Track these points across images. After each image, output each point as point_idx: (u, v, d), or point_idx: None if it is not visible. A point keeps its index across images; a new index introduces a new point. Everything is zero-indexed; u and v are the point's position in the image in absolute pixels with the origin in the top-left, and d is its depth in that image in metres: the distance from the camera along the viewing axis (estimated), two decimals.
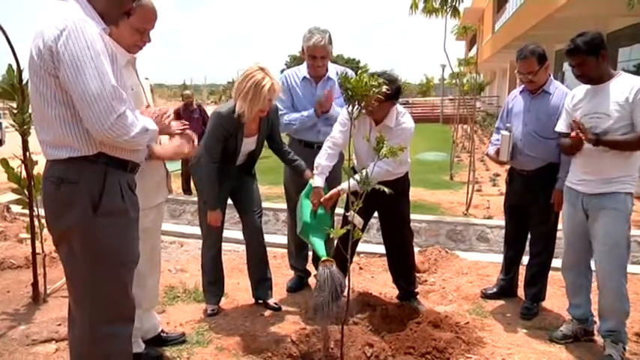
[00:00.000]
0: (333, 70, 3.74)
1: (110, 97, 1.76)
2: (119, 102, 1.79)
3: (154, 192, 2.69)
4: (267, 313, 3.56)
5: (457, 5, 6.87)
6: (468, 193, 7.06)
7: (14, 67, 3.36)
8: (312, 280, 4.09)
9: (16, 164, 3.55)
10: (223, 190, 3.39)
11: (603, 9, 12.84)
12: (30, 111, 3.30)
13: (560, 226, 3.38)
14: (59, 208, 1.92)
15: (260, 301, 3.65)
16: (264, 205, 6.60)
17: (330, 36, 3.61)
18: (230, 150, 3.29)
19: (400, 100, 3.36)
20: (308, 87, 3.77)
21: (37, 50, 1.80)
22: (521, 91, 3.64)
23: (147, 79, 2.72)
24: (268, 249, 4.86)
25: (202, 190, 3.40)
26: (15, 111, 3.45)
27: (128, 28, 2.37)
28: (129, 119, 1.83)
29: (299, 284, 4.03)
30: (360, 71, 2.13)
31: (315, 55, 3.61)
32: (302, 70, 3.81)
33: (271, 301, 3.62)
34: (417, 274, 4.22)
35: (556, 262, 3.71)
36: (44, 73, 1.80)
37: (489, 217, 6.51)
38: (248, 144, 3.36)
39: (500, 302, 3.80)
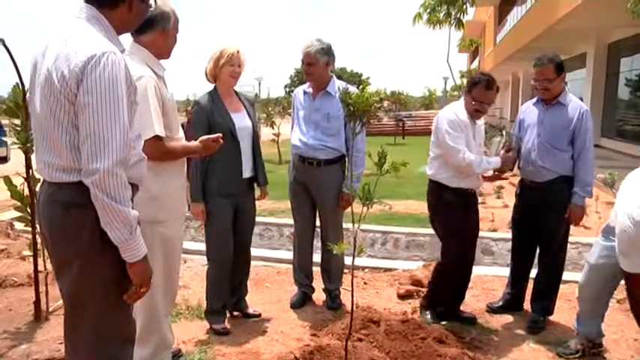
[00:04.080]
0: (334, 86, 3.73)
1: (116, 143, 1.70)
2: (122, 148, 1.72)
3: (179, 199, 2.72)
4: (271, 329, 3.53)
5: (461, 17, 6.92)
6: None
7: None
8: (316, 296, 4.07)
9: (19, 181, 3.55)
10: (229, 202, 3.38)
11: (603, 20, 12.88)
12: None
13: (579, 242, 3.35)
14: (68, 233, 1.84)
15: (236, 313, 3.71)
16: (269, 220, 6.65)
17: (325, 49, 3.63)
18: (225, 127, 3.24)
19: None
20: (308, 100, 3.83)
21: (59, 74, 1.71)
22: (535, 103, 3.64)
23: None
24: (272, 264, 4.90)
25: (220, 163, 3.33)
26: (18, 129, 3.47)
27: (174, 35, 2.61)
28: (123, 174, 1.74)
29: (302, 300, 4.00)
30: (361, 86, 2.13)
31: (303, 60, 3.68)
32: (306, 85, 3.88)
33: (250, 310, 3.73)
34: (421, 289, 4.19)
35: (565, 275, 3.69)
36: (63, 98, 1.73)
37: (494, 230, 6.46)
38: (241, 120, 3.37)
39: (507, 316, 3.76)
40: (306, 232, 3.98)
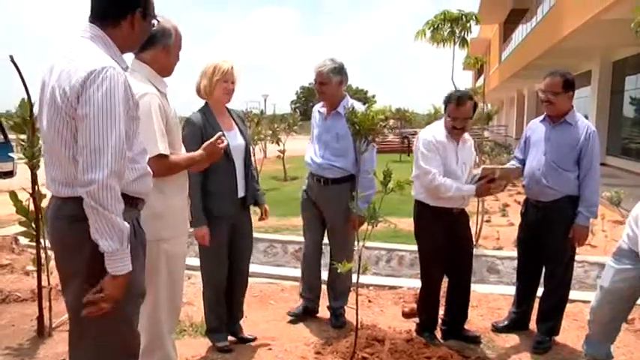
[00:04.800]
0: (347, 105, 3.66)
1: (110, 155, 1.73)
2: (117, 160, 1.75)
3: (182, 216, 2.72)
4: (275, 347, 3.50)
5: (465, 36, 6.95)
6: (477, 223, 6.98)
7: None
8: (320, 314, 4.05)
9: (24, 196, 3.56)
10: (224, 222, 3.30)
11: (607, 39, 12.93)
12: (40, 145, 3.34)
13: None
14: (71, 247, 1.88)
15: (231, 338, 3.56)
16: (274, 237, 6.63)
17: (337, 68, 3.63)
18: None
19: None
20: (321, 120, 3.86)
21: (61, 91, 1.78)
22: (542, 120, 3.64)
23: None
24: (276, 281, 4.87)
25: (215, 183, 3.23)
26: (25, 144, 3.48)
27: (176, 52, 2.60)
28: (117, 186, 1.76)
29: (302, 313, 4.00)
30: (367, 105, 2.14)
31: (316, 79, 3.70)
32: (321, 104, 3.90)
33: (245, 335, 3.62)
34: None
35: (572, 295, 3.65)
36: (65, 114, 1.79)
37: (499, 248, 6.43)
38: (234, 138, 3.31)
39: (512, 336, 3.72)
40: (313, 247, 3.98)
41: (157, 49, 2.52)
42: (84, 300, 1.82)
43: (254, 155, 3.43)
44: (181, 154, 2.65)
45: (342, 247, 3.82)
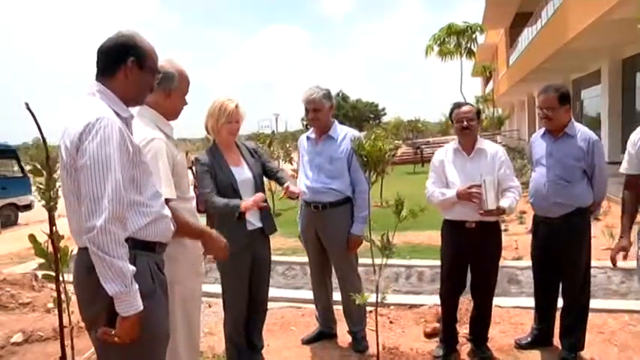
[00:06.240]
0: (337, 130, 3.77)
1: (108, 202, 1.78)
2: (115, 206, 1.80)
3: (194, 256, 2.71)
4: None
5: (472, 47, 6.98)
6: None
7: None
8: (341, 338, 4.03)
9: (43, 237, 3.60)
10: (244, 254, 3.34)
11: (613, 38, 12.86)
12: (57, 186, 3.40)
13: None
14: (90, 295, 1.94)
15: None
16: (291, 259, 6.62)
17: (327, 94, 3.72)
18: (226, 182, 3.31)
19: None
20: (311, 145, 3.89)
21: (64, 147, 1.90)
22: (542, 135, 3.61)
23: None
24: (297, 305, 4.85)
25: (222, 221, 3.30)
26: (42, 187, 3.53)
27: (180, 96, 2.60)
28: (117, 231, 1.81)
29: (315, 338, 4.03)
30: (373, 136, 2.14)
31: (308, 107, 3.74)
32: (310, 131, 3.95)
33: None
34: None
35: (594, 303, 3.58)
36: (70, 167, 1.89)
37: (519, 258, 6.34)
38: (241, 173, 3.39)
39: (536, 352, 3.66)
40: (319, 274, 4.01)
41: (158, 92, 2.49)
42: (97, 334, 1.91)
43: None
44: (193, 223, 2.56)
45: (347, 271, 3.81)
